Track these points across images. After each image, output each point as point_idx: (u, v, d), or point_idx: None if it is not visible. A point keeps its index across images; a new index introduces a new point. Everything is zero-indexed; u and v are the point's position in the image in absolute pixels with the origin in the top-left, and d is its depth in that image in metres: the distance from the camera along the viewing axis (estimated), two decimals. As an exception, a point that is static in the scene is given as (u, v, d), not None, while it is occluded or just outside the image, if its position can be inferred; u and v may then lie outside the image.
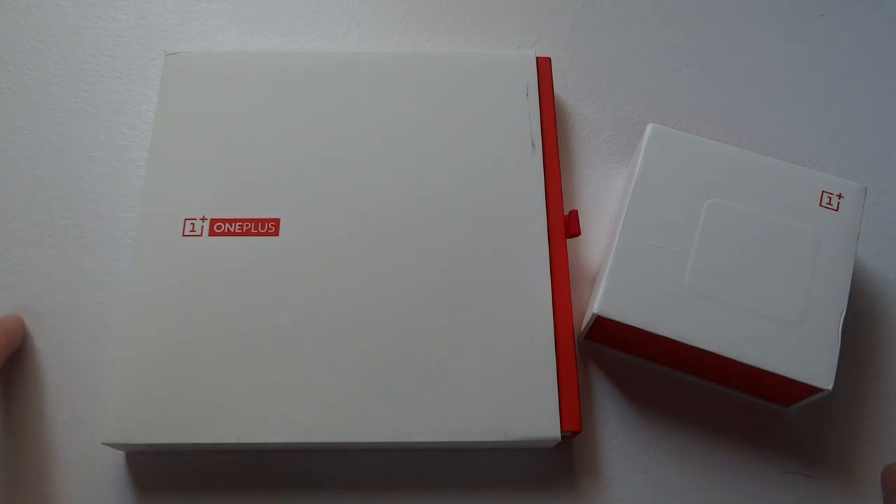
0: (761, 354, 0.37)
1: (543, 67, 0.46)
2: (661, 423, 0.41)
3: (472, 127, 0.44)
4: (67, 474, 0.39)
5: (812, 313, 0.38)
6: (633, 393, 0.41)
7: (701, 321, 0.38)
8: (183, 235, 0.41)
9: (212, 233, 0.41)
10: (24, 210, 0.45)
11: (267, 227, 0.41)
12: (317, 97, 0.44)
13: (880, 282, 0.44)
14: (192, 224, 0.41)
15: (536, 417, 0.37)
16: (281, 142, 0.43)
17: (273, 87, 0.45)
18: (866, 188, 0.41)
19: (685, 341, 0.37)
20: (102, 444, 0.37)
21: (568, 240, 0.42)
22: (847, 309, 0.38)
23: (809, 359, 0.37)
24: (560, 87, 0.49)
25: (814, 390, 0.37)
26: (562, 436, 0.37)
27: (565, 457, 0.40)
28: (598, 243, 0.45)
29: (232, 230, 0.41)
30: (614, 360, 0.42)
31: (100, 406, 0.40)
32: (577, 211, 0.42)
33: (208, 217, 0.41)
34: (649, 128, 0.42)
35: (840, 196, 0.40)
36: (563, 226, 0.42)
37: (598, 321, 0.39)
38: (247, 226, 0.41)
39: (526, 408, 0.38)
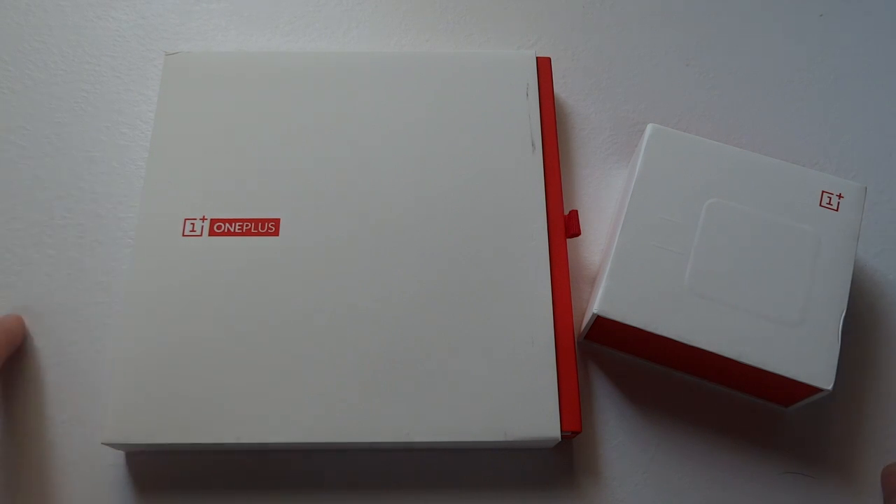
0: (761, 354, 0.37)
1: (543, 67, 0.46)
2: (661, 423, 0.41)
3: (472, 127, 0.44)
4: (67, 474, 0.39)
5: (812, 313, 0.38)
6: (633, 393, 0.41)
7: (701, 321, 0.38)
8: (183, 235, 0.41)
9: (212, 233, 0.41)
10: (24, 210, 0.45)
11: (267, 227, 0.41)
12: (317, 97, 0.44)
13: (880, 282, 0.44)
14: (192, 224, 0.41)
15: (536, 417, 0.37)
16: (281, 142, 0.43)
17: (273, 87, 0.45)
18: (866, 188, 0.41)
19: (685, 341, 0.37)
20: (102, 444, 0.37)
21: (568, 240, 0.42)
22: (847, 309, 0.38)
23: (809, 359, 0.37)
24: (560, 87, 0.49)
25: (814, 390, 0.37)
26: (562, 436, 0.37)
27: (565, 457, 0.40)
28: (598, 243, 0.45)
29: (232, 230, 0.41)
30: (614, 360, 0.42)
31: (100, 406, 0.40)
32: (577, 211, 0.42)
33: (208, 217, 0.41)
34: (649, 128, 0.42)
35: (840, 196, 0.40)
36: (563, 226, 0.42)
37: (598, 321, 0.39)
38: (247, 226, 0.41)
39: (526, 408, 0.38)
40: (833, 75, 0.50)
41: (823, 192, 0.41)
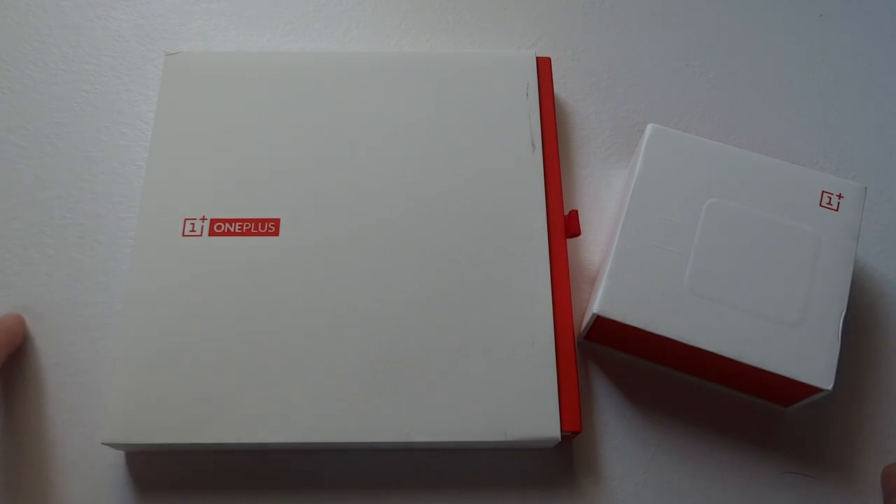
0: (761, 354, 0.37)
1: (543, 67, 0.46)
2: (661, 423, 0.41)
3: (472, 127, 0.44)
4: (67, 474, 0.39)
5: (812, 313, 0.38)
6: (633, 393, 0.41)
7: (701, 321, 0.38)
8: (183, 235, 0.41)
9: (212, 233, 0.41)
10: (24, 210, 0.45)
11: (267, 227, 0.41)
12: (317, 97, 0.44)
13: (880, 282, 0.44)
14: (192, 224, 0.41)
15: (536, 417, 0.37)
16: (281, 142, 0.43)
17: (273, 87, 0.45)
18: (866, 188, 0.41)
19: (685, 341, 0.37)
20: (102, 444, 0.37)
21: (568, 240, 0.42)
22: (847, 309, 0.38)
23: (809, 359, 0.37)
24: (560, 87, 0.49)
25: (814, 390, 0.37)
26: (562, 436, 0.37)
27: (565, 457, 0.40)
28: (598, 243, 0.45)
29: (232, 230, 0.41)
30: (614, 360, 0.42)
31: (100, 406, 0.40)
32: (577, 211, 0.42)
33: (208, 217, 0.41)
34: (649, 128, 0.42)
35: (840, 196, 0.40)
36: (563, 226, 0.42)
37: (598, 321, 0.39)
38: (247, 226, 0.41)
39: (526, 408, 0.38)
40: (833, 75, 0.50)
41: (823, 192, 0.41)
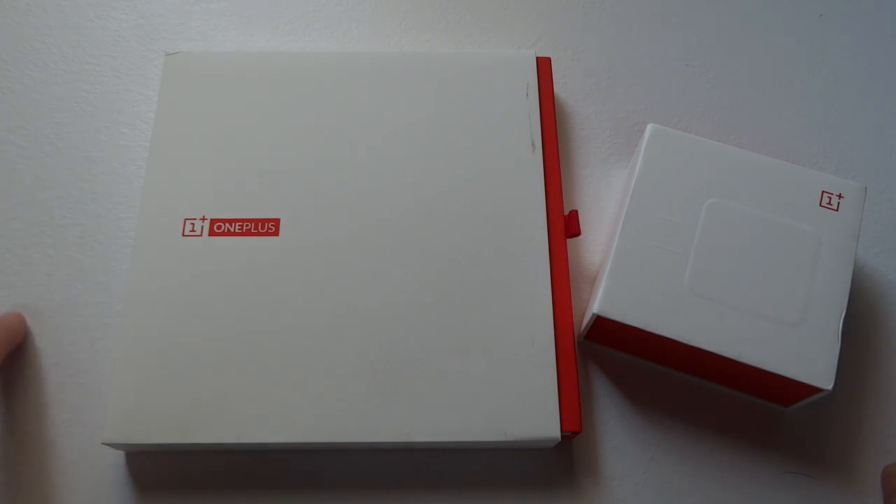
0: (761, 354, 0.37)
1: (543, 67, 0.46)
2: (661, 423, 0.41)
3: (472, 127, 0.44)
4: (67, 474, 0.39)
5: (812, 313, 0.38)
6: (633, 393, 0.41)
7: (701, 321, 0.38)
8: (183, 235, 0.41)
9: (212, 233, 0.41)
10: (24, 210, 0.45)
11: (267, 227, 0.41)
12: (317, 97, 0.44)
13: (880, 282, 0.44)
14: (192, 224, 0.41)
15: (536, 417, 0.37)
16: (281, 142, 0.43)
17: (273, 87, 0.45)
18: (866, 188, 0.41)
19: (685, 341, 0.37)
20: (102, 444, 0.37)
21: (568, 240, 0.42)
22: (847, 309, 0.38)
23: (809, 359, 0.37)
24: (560, 87, 0.49)
25: (814, 390, 0.37)
26: (562, 436, 0.37)
27: (565, 457, 0.40)
28: (598, 243, 0.45)
29: (232, 230, 0.41)
30: (614, 360, 0.42)
31: (100, 406, 0.40)
32: (577, 211, 0.42)
33: (208, 217, 0.41)
34: (649, 128, 0.42)
35: (840, 196, 0.40)
36: (563, 226, 0.42)
37: (598, 321, 0.39)
38: (247, 226, 0.41)
39: (526, 408, 0.38)
40: (833, 75, 0.50)
41: (823, 192, 0.41)
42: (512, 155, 0.43)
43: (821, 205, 0.40)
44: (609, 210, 0.46)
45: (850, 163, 0.47)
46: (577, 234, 0.41)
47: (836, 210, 0.40)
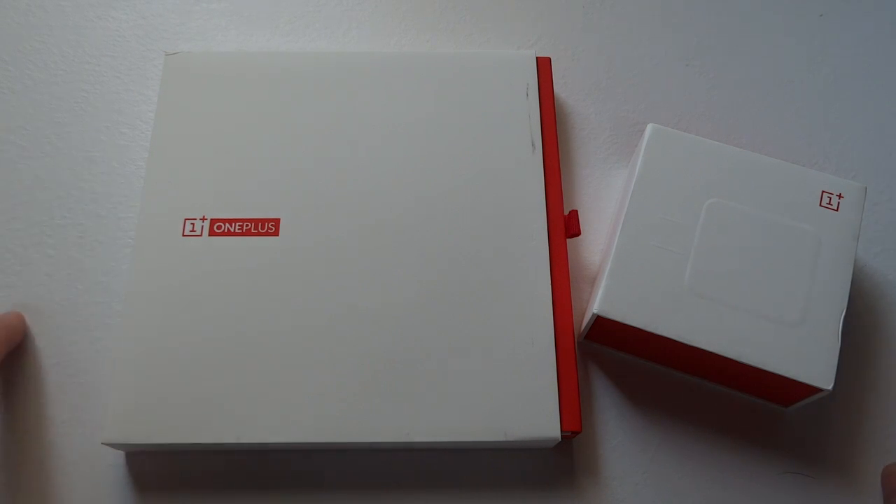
0: (761, 354, 0.37)
1: (543, 67, 0.46)
2: (661, 423, 0.41)
3: (472, 127, 0.44)
4: (67, 474, 0.39)
5: (812, 313, 0.38)
6: (633, 393, 0.41)
7: (701, 321, 0.38)
8: (183, 235, 0.41)
9: (212, 233, 0.41)
10: (24, 210, 0.45)
11: (267, 227, 0.41)
12: (317, 97, 0.44)
13: (880, 282, 0.44)
14: (192, 224, 0.41)
15: (536, 417, 0.37)
16: (281, 142, 0.43)
17: (273, 87, 0.45)
18: (866, 188, 0.41)
19: (685, 341, 0.37)
20: (102, 444, 0.37)
21: (568, 240, 0.42)
22: (847, 309, 0.38)
23: (809, 359, 0.37)
24: (560, 87, 0.49)
25: (814, 390, 0.37)
26: (562, 436, 0.37)
27: (565, 457, 0.40)
28: (598, 243, 0.45)
29: (232, 230, 0.41)
30: (614, 360, 0.42)
31: (100, 406, 0.40)
32: (577, 211, 0.42)
33: (208, 217, 0.41)
34: (649, 128, 0.42)
35: (840, 196, 0.40)
36: (563, 226, 0.42)
37: (598, 321, 0.39)
38: (247, 226, 0.41)
39: (526, 408, 0.38)
40: (833, 75, 0.50)
41: (823, 192, 0.41)
42: (512, 155, 0.43)
43: (821, 205, 0.40)
44: (609, 210, 0.46)
45: (850, 163, 0.47)
46: (577, 234, 0.41)
47: (836, 210, 0.40)
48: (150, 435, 0.37)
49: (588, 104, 0.49)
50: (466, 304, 0.40)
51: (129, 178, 0.46)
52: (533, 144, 0.43)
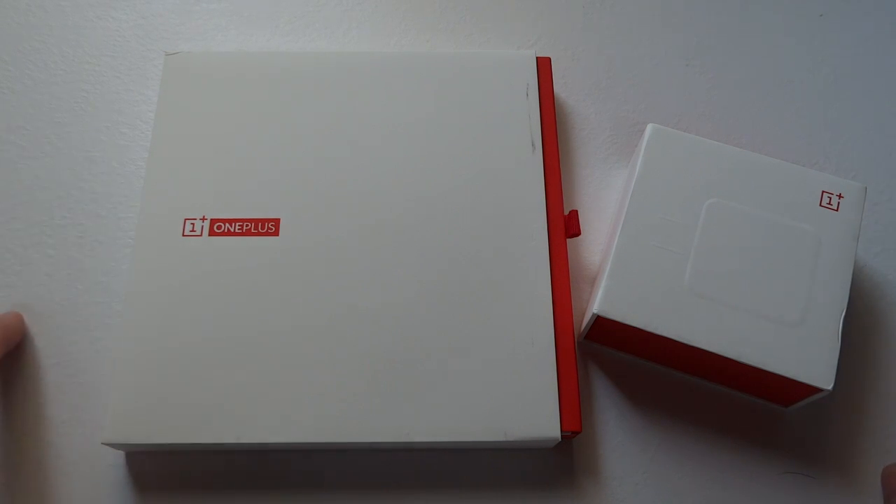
0: (761, 354, 0.37)
1: (543, 67, 0.46)
2: (661, 423, 0.41)
3: (472, 127, 0.44)
4: (67, 474, 0.39)
5: (812, 313, 0.38)
6: (633, 393, 0.41)
7: (701, 321, 0.38)
8: (183, 235, 0.41)
9: (212, 233, 0.41)
10: (24, 210, 0.45)
11: (267, 227, 0.41)
12: (317, 97, 0.44)
13: (880, 282, 0.44)
14: (192, 224, 0.41)
15: (536, 417, 0.37)
16: (281, 142, 0.43)
17: (273, 87, 0.45)
18: (866, 188, 0.41)
19: (685, 341, 0.37)
20: (102, 444, 0.37)
21: (568, 240, 0.42)
22: (847, 309, 0.38)
23: (809, 359, 0.37)
24: (560, 87, 0.49)
25: (814, 390, 0.37)
26: (562, 436, 0.37)
27: (565, 457, 0.40)
28: (598, 243, 0.45)
29: (232, 230, 0.41)
30: (614, 360, 0.42)
31: (100, 406, 0.40)
32: (577, 211, 0.42)
33: (208, 217, 0.41)
34: (649, 128, 0.42)
35: (840, 196, 0.40)
36: (563, 226, 0.42)
37: (598, 321, 0.39)
38: (247, 226, 0.41)
39: (526, 408, 0.38)
40: (833, 75, 0.50)
41: (823, 192, 0.41)
42: (512, 155, 0.43)
43: (821, 205, 0.40)
44: (609, 210, 0.46)
45: (850, 163, 0.47)
46: (577, 234, 0.41)
47: (836, 210, 0.40)
48: (150, 435, 0.37)
49: (588, 104, 0.49)
50: (466, 304, 0.40)
51: (129, 178, 0.46)
52: (533, 144, 0.43)
